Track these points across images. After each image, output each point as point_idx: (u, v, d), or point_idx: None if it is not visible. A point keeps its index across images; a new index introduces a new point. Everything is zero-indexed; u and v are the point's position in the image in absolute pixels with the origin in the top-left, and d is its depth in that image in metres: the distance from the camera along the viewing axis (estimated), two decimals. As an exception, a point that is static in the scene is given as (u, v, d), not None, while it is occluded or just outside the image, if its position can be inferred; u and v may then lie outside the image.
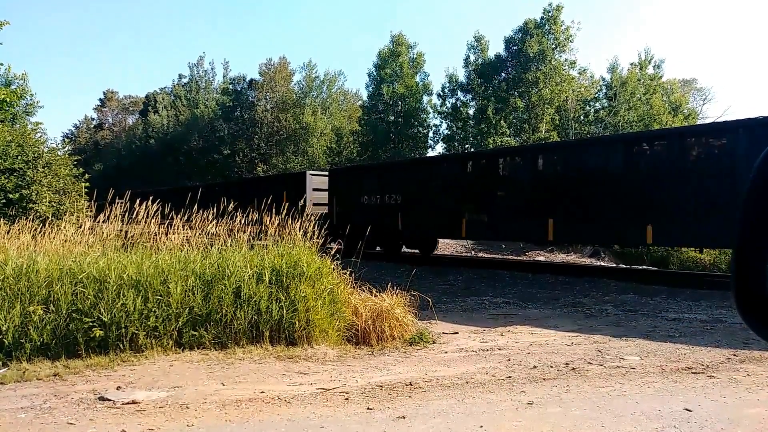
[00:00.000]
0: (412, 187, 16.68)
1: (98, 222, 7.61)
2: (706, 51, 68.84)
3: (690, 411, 4.14)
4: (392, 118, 35.66)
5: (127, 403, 4.32)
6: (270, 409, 4.29)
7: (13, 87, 17.84)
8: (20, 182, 10.48)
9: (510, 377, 5.14)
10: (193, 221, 7.83)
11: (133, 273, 5.84)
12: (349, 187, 18.75)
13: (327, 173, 20.43)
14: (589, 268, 15.13)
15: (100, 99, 64.68)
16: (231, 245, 7.01)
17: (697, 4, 68.03)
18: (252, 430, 3.88)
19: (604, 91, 32.54)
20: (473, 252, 22.30)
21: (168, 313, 5.75)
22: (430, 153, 36.58)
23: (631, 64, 31.99)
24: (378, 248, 18.58)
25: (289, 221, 7.36)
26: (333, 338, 6.27)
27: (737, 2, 68.17)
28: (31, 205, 10.33)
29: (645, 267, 17.06)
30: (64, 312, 5.45)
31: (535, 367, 5.49)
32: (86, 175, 12.48)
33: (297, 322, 6.09)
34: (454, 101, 34.87)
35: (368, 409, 4.29)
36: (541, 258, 19.46)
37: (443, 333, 7.09)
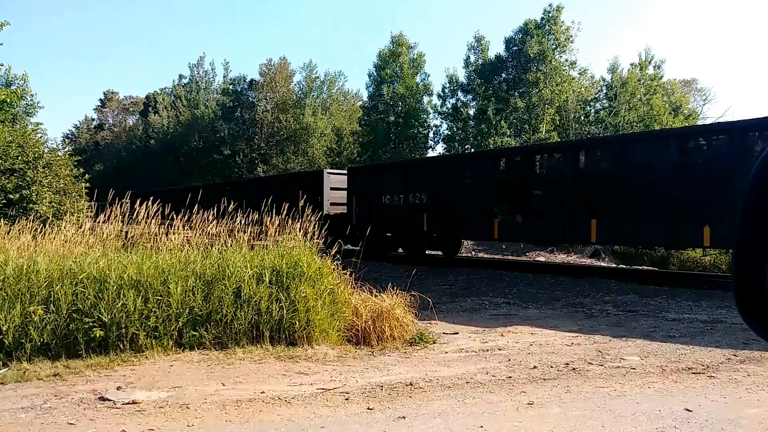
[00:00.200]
0: (440, 185, 15.80)
1: (98, 222, 7.61)
2: (706, 51, 68.87)
3: (690, 411, 4.14)
4: (392, 118, 35.66)
5: (128, 404, 4.32)
6: (270, 409, 4.29)
7: (13, 87, 17.88)
8: (21, 183, 10.49)
9: (510, 377, 5.14)
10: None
11: (134, 273, 5.85)
12: (370, 186, 18.01)
13: (345, 172, 19.66)
14: (590, 269, 15.15)
15: (101, 99, 64.76)
16: (231, 246, 7.01)
17: (697, 4, 68.07)
18: (252, 431, 3.88)
19: (605, 91, 32.57)
20: (473, 252, 22.30)
21: (168, 314, 5.75)
22: (431, 153, 36.63)
23: (632, 65, 32.04)
24: (400, 250, 18.06)
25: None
26: (333, 338, 6.27)
27: (737, 2, 68.20)
28: (31, 205, 10.33)
29: (645, 267, 17.07)
30: (65, 312, 5.45)
31: (535, 367, 5.49)
32: (86, 176, 12.49)
33: (297, 323, 6.09)
34: (454, 101, 34.90)
35: (368, 409, 4.29)
36: (541, 258, 19.47)
37: (443, 333, 7.09)
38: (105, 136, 60.68)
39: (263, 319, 6.03)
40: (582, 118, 32.00)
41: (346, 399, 4.52)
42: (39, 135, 12.97)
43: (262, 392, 4.65)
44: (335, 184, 18.90)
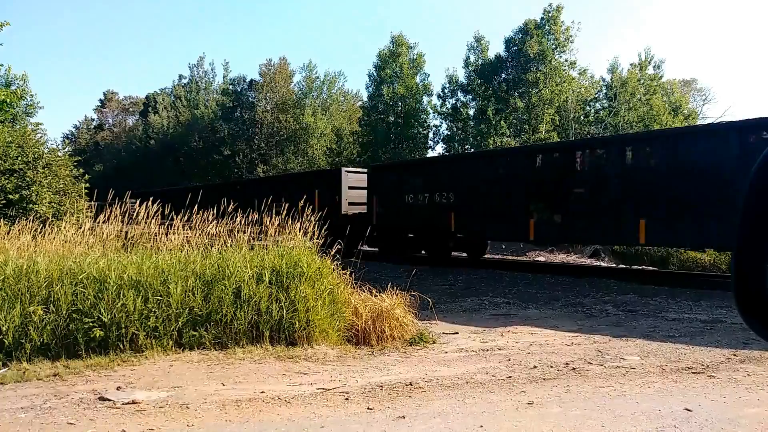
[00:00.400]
0: (469, 184, 14.98)
1: (98, 222, 7.61)
2: (706, 51, 68.89)
3: (690, 411, 4.15)
4: (392, 118, 35.67)
5: (127, 404, 4.32)
6: (270, 409, 4.29)
7: (13, 88, 17.89)
8: (20, 183, 10.49)
9: (510, 377, 5.14)
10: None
11: (134, 273, 5.85)
12: (392, 185, 17.28)
13: (364, 170, 19.10)
14: (589, 268, 15.15)
15: (100, 100, 64.76)
16: (231, 246, 7.01)
17: (697, 4, 68.09)
18: (252, 430, 3.88)
19: (604, 91, 32.59)
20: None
21: (168, 314, 5.75)
22: (430, 153, 36.65)
23: (631, 65, 32.09)
24: (423, 252, 17.32)
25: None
26: (333, 338, 6.27)
27: (737, 2, 68.21)
28: (31, 205, 10.33)
29: (645, 267, 17.08)
30: (64, 312, 5.45)
31: (535, 367, 5.49)
32: (86, 176, 12.49)
33: (297, 323, 6.09)
34: (454, 102, 34.94)
35: (368, 409, 4.29)
36: (541, 258, 19.46)
37: (443, 333, 7.09)
38: (105, 137, 60.69)
39: (263, 319, 6.03)
40: (582, 118, 32.01)
41: (346, 399, 4.52)
42: (39, 135, 12.98)
43: (262, 392, 4.65)
44: (353, 183, 18.32)
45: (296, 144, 40.59)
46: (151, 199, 7.88)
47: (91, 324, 5.44)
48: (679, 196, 11.06)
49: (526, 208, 13.52)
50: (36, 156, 11.00)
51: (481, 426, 3.89)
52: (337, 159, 38.11)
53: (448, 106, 35.24)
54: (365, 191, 18.01)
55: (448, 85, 34.96)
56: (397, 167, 19.83)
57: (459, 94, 34.67)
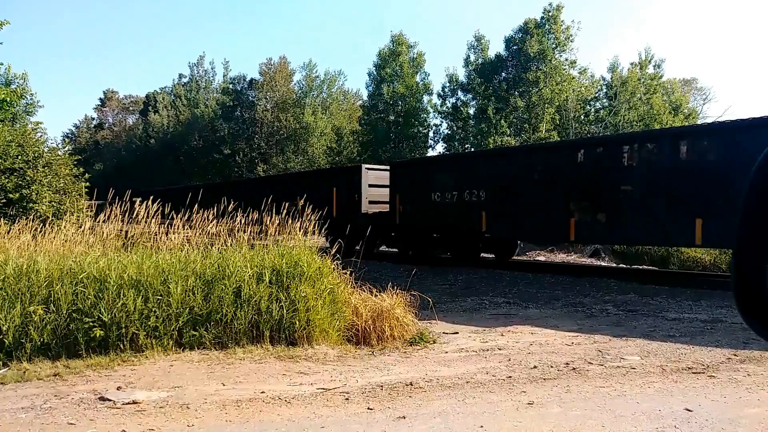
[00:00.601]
0: (502, 181, 14.14)
1: (98, 222, 7.61)
2: (706, 51, 68.85)
3: (690, 411, 4.14)
4: (392, 117, 35.69)
5: (128, 403, 4.32)
6: (270, 409, 4.29)
7: (13, 86, 17.91)
8: (20, 182, 10.49)
9: (510, 377, 5.14)
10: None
11: (134, 273, 5.85)
12: (417, 182, 16.34)
13: (386, 167, 18.15)
14: (590, 268, 15.13)
15: (101, 99, 64.77)
16: (231, 245, 7.01)
17: (697, 4, 68.03)
18: (252, 430, 3.88)
19: (605, 90, 32.60)
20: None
21: (168, 313, 5.75)
22: (431, 153, 36.64)
23: (632, 64, 32.11)
24: (448, 253, 16.59)
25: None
26: (333, 338, 6.27)
27: (737, 2, 68.16)
28: (31, 204, 10.33)
29: (645, 267, 17.07)
30: (65, 312, 5.45)
31: (535, 367, 5.49)
32: (86, 175, 12.49)
33: (297, 322, 6.09)
34: (454, 101, 34.96)
35: (369, 409, 4.29)
36: (541, 258, 19.45)
37: (443, 333, 7.09)
38: (105, 136, 60.70)
39: (263, 319, 6.03)
40: (582, 117, 32.01)
41: (346, 399, 4.52)
42: (39, 134, 12.98)
43: (262, 392, 4.65)
44: (374, 180, 17.48)
45: (296, 143, 40.60)
46: (151, 198, 7.87)
47: (91, 324, 5.44)
48: (740, 193, 10.28)
49: (566, 207, 12.73)
50: (36, 155, 11.00)
51: (482, 426, 3.89)
52: (337, 158, 38.12)
53: (449, 105, 35.29)
54: (386, 189, 17.20)
55: (448, 84, 35.02)
56: (423, 163, 18.87)
57: (459, 93, 34.72)
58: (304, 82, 41.97)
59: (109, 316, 5.50)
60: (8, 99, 15.21)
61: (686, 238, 11.46)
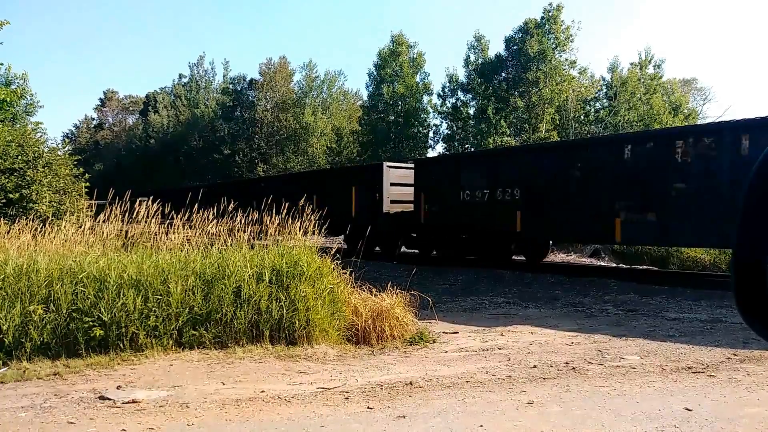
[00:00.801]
0: (539, 178, 13.44)
1: (98, 222, 7.61)
2: (706, 51, 68.86)
3: (690, 410, 4.15)
4: (392, 117, 35.68)
5: (128, 403, 4.32)
6: (270, 408, 4.29)
7: (13, 87, 17.89)
8: (20, 182, 10.49)
9: (510, 377, 5.14)
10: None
11: (134, 272, 5.85)
12: (444, 180, 15.61)
13: (408, 165, 17.62)
14: (589, 268, 15.13)
15: (101, 99, 64.76)
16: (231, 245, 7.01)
17: (697, 4, 68.04)
18: (252, 430, 3.88)
19: (605, 90, 32.60)
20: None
21: (168, 313, 5.75)
22: (431, 153, 36.64)
23: (632, 64, 32.13)
24: (475, 256, 15.75)
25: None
26: (333, 338, 6.27)
27: (737, 2, 68.16)
28: (31, 204, 10.33)
29: (645, 267, 17.07)
30: (65, 311, 5.45)
31: (535, 366, 5.49)
32: (86, 175, 12.49)
33: (297, 322, 6.09)
34: (454, 101, 34.95)
35: (368, 408, 4.29)
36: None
37: (443, 332, 7.09)
38: (105, 136, 60.68)
39: (263, 319, 6.03)
40: (582, 117, 32.02)
41: (346, 398, 4.52)
42: (39, 134, 13.01)
43: (262, 391, 4.65)
44: (395, 179, 16.92)
45: (296, 143, 40.61)
46: (151, 198, 7.87)
47: (91, 323, 5.44)
48: None
49: (612, 206, 12.03)
50: (36, 155, 11.00)
51: (481, 425, 3.89)
52: (337, 158, 38.12)
53: (449, 105, 35.29)
54: (409, 188, 16.67)
55: (448, 85, 35.02)
56: (450, 160, 18.06)
57: (459, 93, 34.71)
58: (304, 82, 41.99)
59: (109, 316, 5.50)
60: (8, 99, 15.22)
61: None
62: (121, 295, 5.59)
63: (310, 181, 20.52)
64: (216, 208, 7.85)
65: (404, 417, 4.07)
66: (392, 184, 16.82)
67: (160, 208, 7.95)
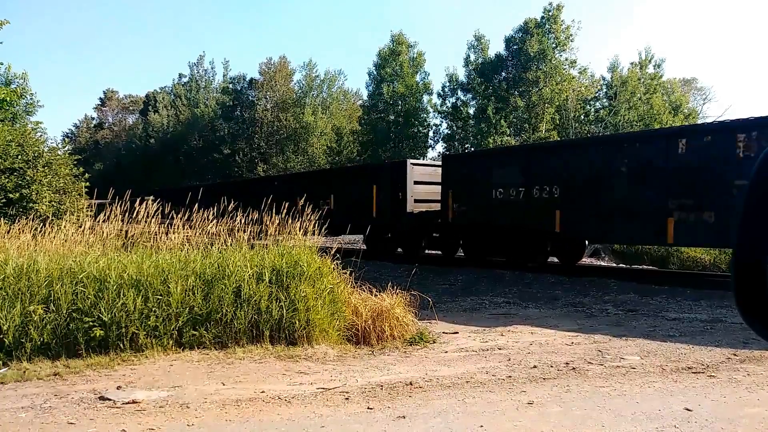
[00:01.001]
0: (581, 175, 12.64)
1: (98, 221, 7.60)
2: (706, 51, 68.86)
3: (690, 411, 4.14)
4: (392, 117, 35.68)
5: (128, 403, 4.32)
6: (270, 408, 4.29)
7: (13, 86, 17.91)
8: (20, 182, 10.49)
9: (510, 377, 5.14)
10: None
11: (134, 272, 5.84)
12: (474, 177, 14.84)
13: (433, 162, 16.91)
14: (589, 268, 15.11)
15: (100, 98, 64.74)
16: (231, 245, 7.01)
17: (697, 4, 68.04)
18: (252, 430, 3.88)
19: (605, 90, 32.60)
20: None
21: (168, 313, 5.75)
22: (431, 153, 36.65)
23: (632, 64, 32.15)
24: (504, 258, 14.92)
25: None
26: (333, 338, 6.27)
27: (737, 2, 68.17)
28: (31, 204, 10.33)
29: (645, 267, 17.07)
30: (65, 312, 5.45)
31: (535, 366, 5.49)
32: (86, 175, 12.49)
33: (297, 322, 6.09)
34: (454, 101, 34.97)
35: (368, 408, 4.29)
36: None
37: (443, 333, 7.09)
38: (105, 135, 60.67)
39: (263, 319, 6.03)
40: (582, 117, 32.02)
41: (346, 398, 4.52)
42: (39, 134, 12.98)
43: (262, 392, 4.65)
44: (420, 177, 16.24)
45: (296, 143, 40.61)
46: (151, 198, 7.85)
47: (91, 323, 5.44)
48: None
49: (663, 205, 11.25)
50: (36, 155, 11.01)
51: (481, 426, 3.89)
52: (337, 158, 38.13)
53: (449, 104, 35.30)
54: (433, 186, 16.02)
55: (448, 84, 35.05)
56: (481, 157, 17.23)
57: (459, 92, 34.74)
58: (304, 82, 41.99)
59: (109, 316, 5.49)
60: (8, 99, 15.21)
61: None
62: (121, 295, 5.59)
63: (326, 179, 19.66)
64: (224, 206, 7.75)
65: (404, 417, 4.06)
66: (416, 183, 16.14)
67: (160, 208, 7.94)
